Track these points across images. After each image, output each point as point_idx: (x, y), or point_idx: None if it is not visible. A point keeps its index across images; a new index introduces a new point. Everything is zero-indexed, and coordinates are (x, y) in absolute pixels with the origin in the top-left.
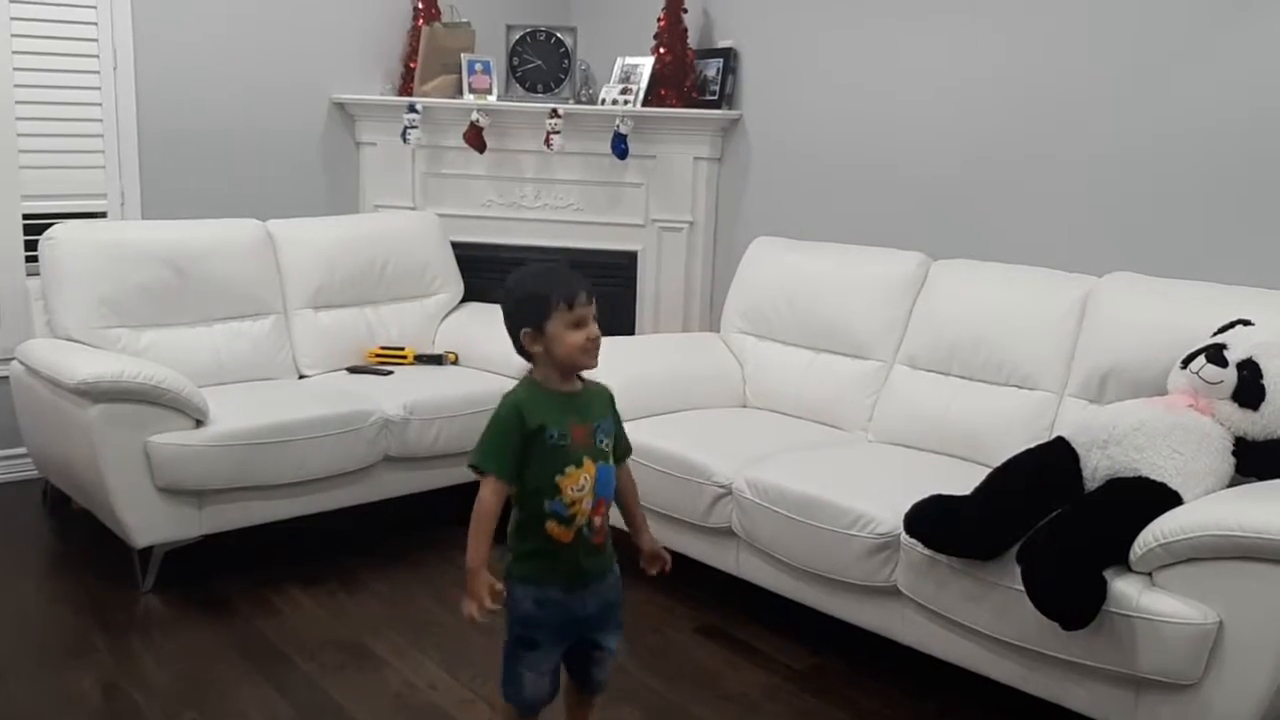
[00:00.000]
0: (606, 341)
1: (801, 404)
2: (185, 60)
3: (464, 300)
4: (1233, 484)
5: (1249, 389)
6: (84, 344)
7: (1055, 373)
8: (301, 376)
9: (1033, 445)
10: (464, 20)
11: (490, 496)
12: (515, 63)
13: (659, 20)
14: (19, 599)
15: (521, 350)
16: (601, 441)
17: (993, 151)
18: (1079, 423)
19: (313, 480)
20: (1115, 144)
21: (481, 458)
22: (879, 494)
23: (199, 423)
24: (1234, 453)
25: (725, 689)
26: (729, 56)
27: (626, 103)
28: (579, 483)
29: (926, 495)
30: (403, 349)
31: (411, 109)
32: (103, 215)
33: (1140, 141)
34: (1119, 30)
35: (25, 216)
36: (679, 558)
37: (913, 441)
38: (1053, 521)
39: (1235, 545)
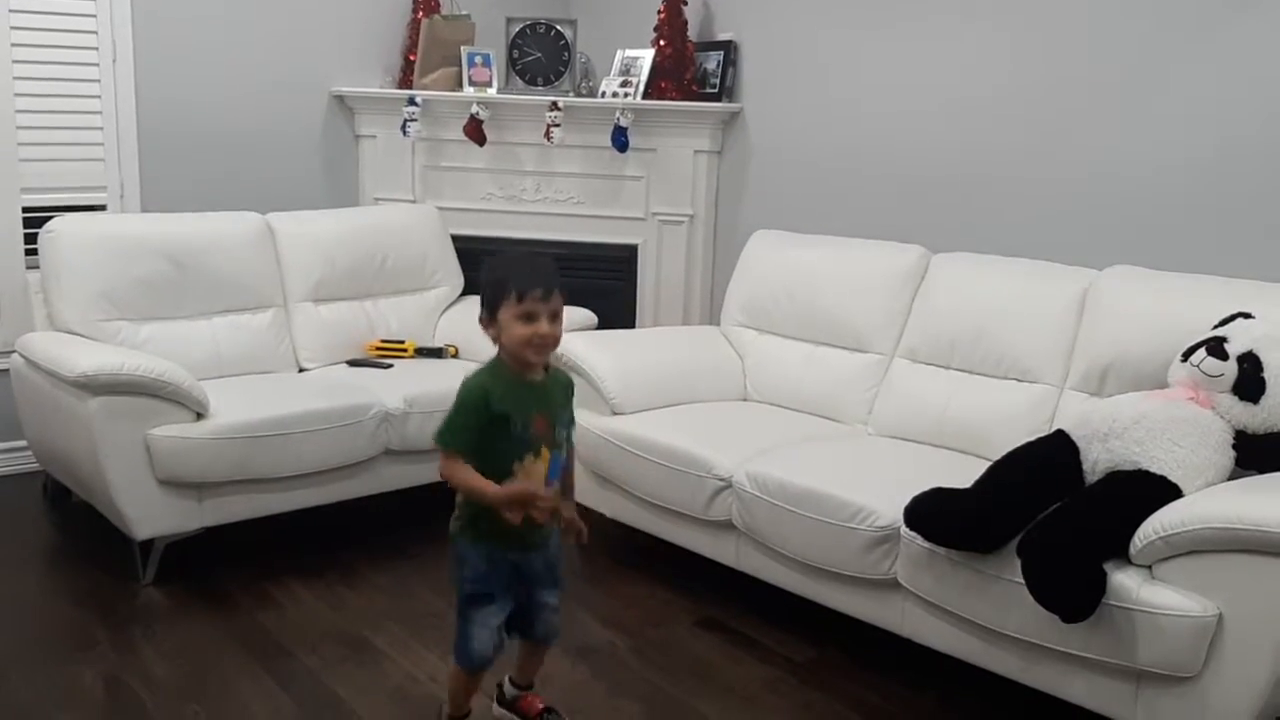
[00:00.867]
0: (607, 334)
1: (801, 397)
2: (185, 53)
3: (464, 293)
4: (1233, 477)
5: (1249, 382)
6: (84, 337)
7: (1055, 366)
8: (301, 370)
9: (1033, 438)
10: (464, 13)
11: (456, 464)
12: (515, 55)
13: (659, 13)
14: (20, 592)
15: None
16: (559, 432)
17: (993, 145)
18: (1079, 416)
19: (313, 473)
20: (1117, 137)
21: (452, 437)
22: (879, 487)
23: (199, 415)
24: (1234, 446)
25: (725, 682)
26: (729, 49)
27: (627, 96)
28: (536, 470)
29: (926, 488)
30: (403, 342)
31: (411, 102)
32: (102, 208)
33: (1141, 135)
34: (1121, 24)
35: (25, 209)
36: (679, 551)
37: (913, 435)
38: (1053, 514)
39: (1235, 538)
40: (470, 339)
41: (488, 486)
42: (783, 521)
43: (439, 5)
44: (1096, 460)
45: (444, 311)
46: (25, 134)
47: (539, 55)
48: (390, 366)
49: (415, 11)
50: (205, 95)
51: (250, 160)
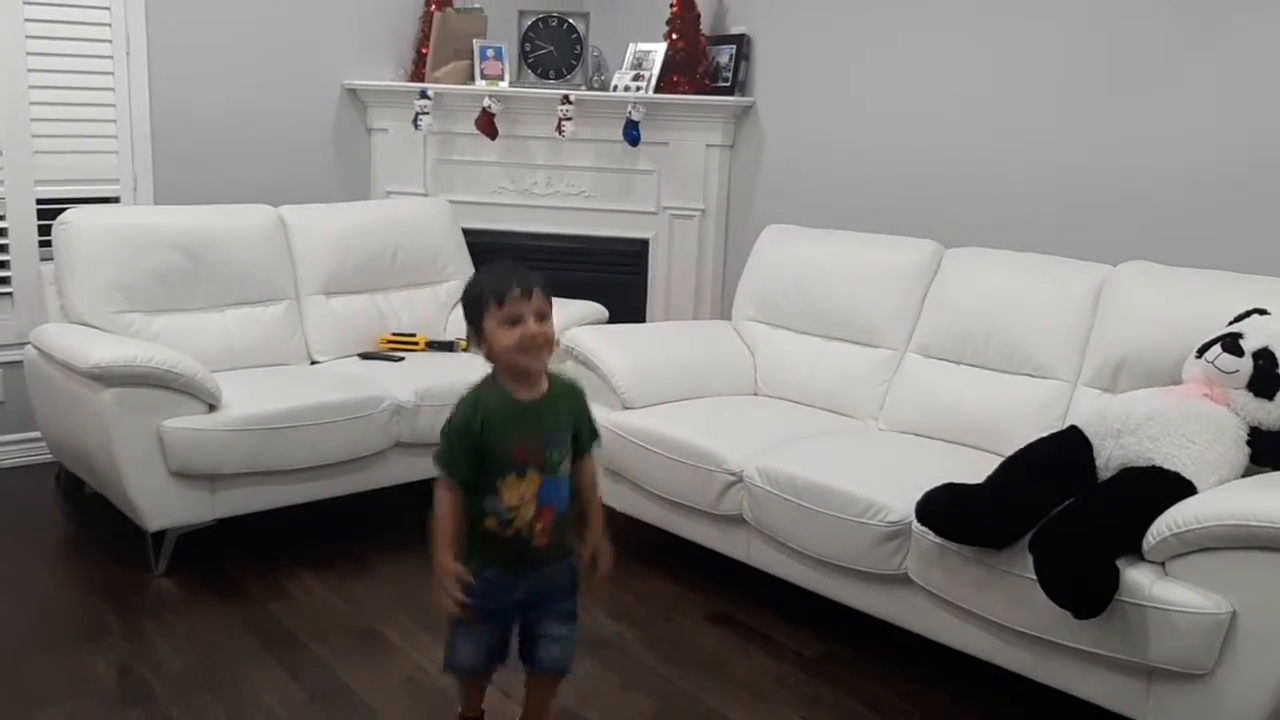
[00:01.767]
0: (618, 329)
1: (813, 392)
2: (198, 46)
3: None
4: (1247, 474)
5: (1265, 378)
6: (97, 328)
7: (1069, 362)
8: (313, 362)
9: (1045, 434)
10: (476, 6)
11: (450, 497)
12: (527, 49)
13: (671, 6)
14: (33, 583)
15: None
16: (551, 454)
17: (1007, 140)
18: (1093, 411)
19: (324, 465)
20: (1132, 133)
21: (447, 462)
22: (890, 482)
23: (211, 407)
24: (1249, 442)
25: (735, 676)
26: (742, 43)
27: (639, 89)
28: (519, 492)
29: (938, 484)
30: (414, 335)
31: (423, 95)
32: (116, 200)
33: (1156, 131)
34: (1139, 19)
35: (39, 201)
36: (690, 545)
37: (924, 430)
38: (1065, 510)
39: (1249, 535)
40: None
41: (442, 541)
42: (793, 516)
43: None
44: (1110, 456)
45: (455, 305)
46: (39, 126)
47: (551, 49)
48: (401, 360)
49: (427, 4)
50: (218, 88)
51: (263, 153)
